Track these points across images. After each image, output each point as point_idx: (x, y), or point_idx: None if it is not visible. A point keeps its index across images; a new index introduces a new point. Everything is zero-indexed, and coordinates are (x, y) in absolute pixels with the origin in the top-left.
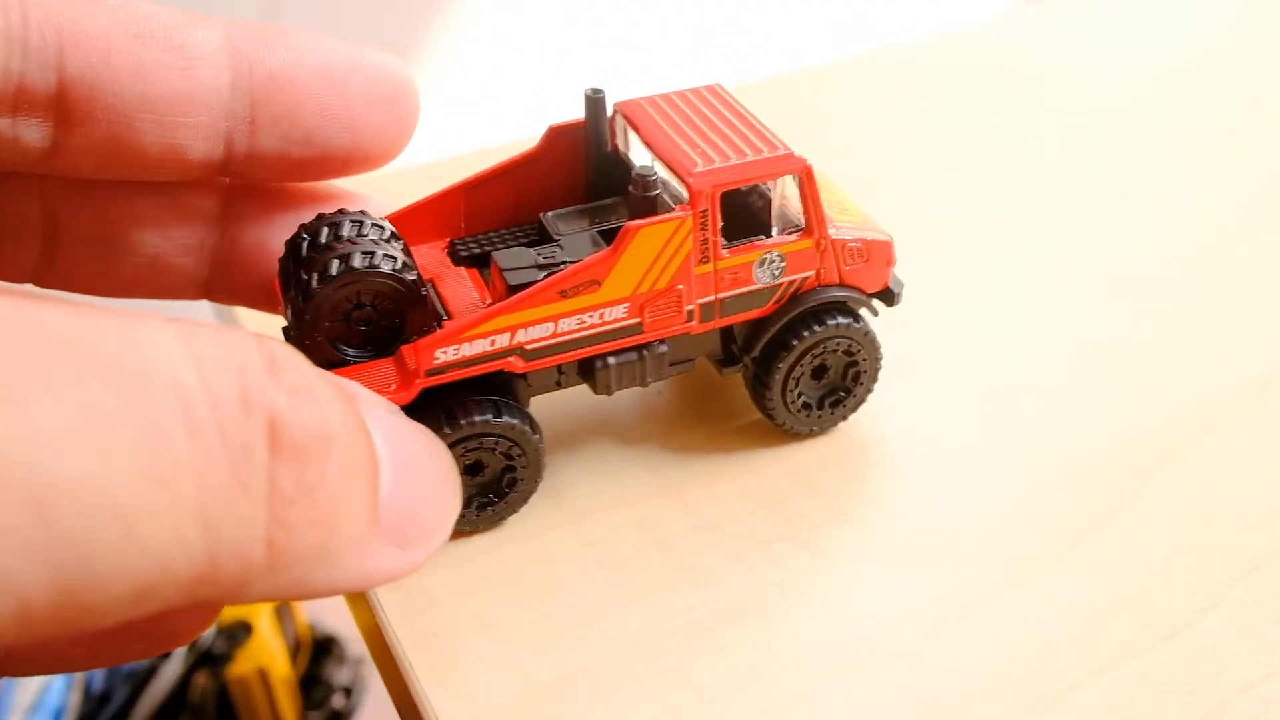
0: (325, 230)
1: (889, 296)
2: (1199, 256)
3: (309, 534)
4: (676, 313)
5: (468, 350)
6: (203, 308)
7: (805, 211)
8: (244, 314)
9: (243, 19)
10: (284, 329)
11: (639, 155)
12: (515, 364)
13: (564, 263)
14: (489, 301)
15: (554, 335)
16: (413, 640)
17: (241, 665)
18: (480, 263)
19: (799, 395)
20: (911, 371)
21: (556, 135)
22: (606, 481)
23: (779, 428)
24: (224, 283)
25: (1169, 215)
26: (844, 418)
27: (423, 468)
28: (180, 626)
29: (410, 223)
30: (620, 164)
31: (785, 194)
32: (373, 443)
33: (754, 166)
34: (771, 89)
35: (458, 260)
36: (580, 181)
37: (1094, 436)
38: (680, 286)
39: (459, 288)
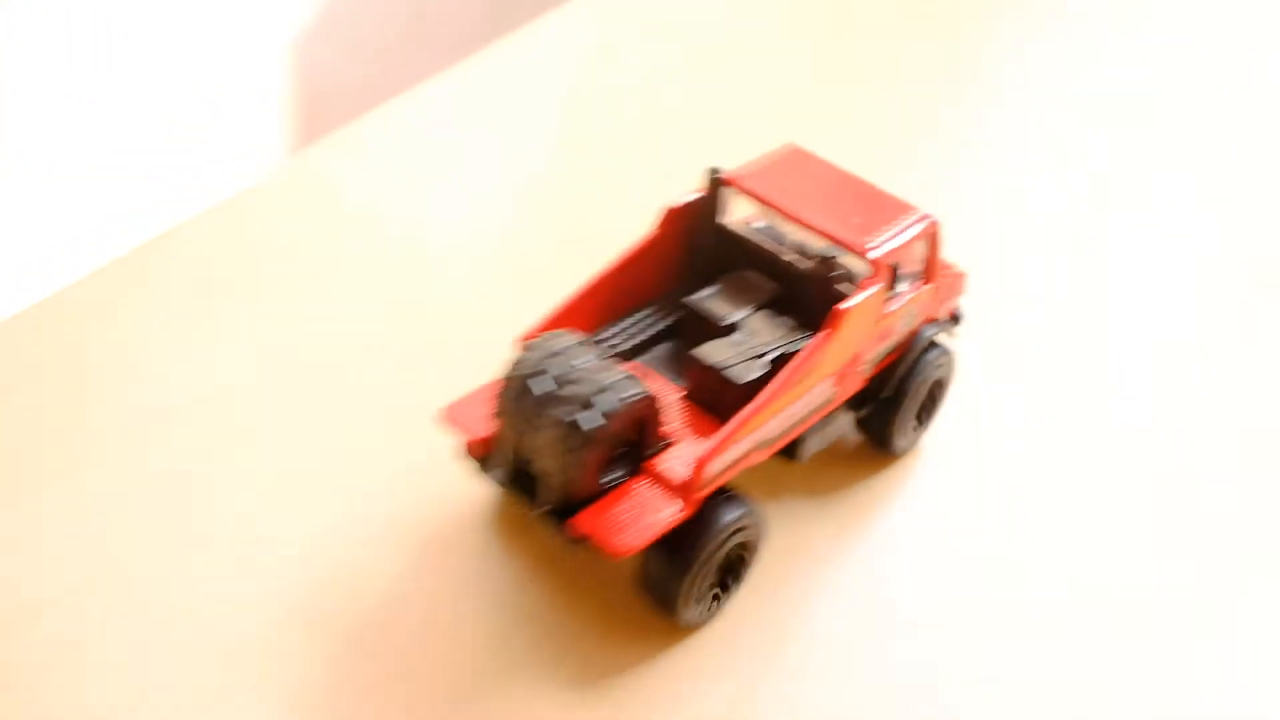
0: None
1: (957, 319)
2: None
3: None
4: (858, 376)
5: (731, 455)
6: None
7: (929, 261)
8: None
9: None
10: (488, 464)
11: (745, 226)
12: (754, 457)
13: (767, 350)
14: (684, 395)
15: (783, 423)
16: None
17: None
18: (630, 355)
19: (913, 420)
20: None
21: (676, 217)
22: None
23: (889, 454)
24: None
25: None
26: (932, 419)
27: None
28: None
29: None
30: (725, 236)
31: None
32: None
33: (909, 232)
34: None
35: (616, 357)
36: (685, 258)
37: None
38: (864, 353)
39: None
